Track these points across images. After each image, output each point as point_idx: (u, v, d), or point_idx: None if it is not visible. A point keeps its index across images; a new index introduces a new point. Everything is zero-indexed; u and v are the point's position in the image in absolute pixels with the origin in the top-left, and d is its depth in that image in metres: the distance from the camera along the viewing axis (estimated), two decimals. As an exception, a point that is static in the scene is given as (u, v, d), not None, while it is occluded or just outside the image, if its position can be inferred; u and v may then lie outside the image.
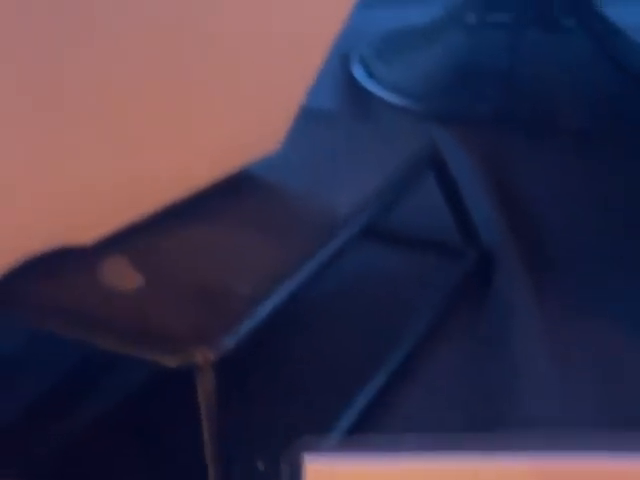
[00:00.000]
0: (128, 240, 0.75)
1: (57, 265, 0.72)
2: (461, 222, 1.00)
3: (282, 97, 0.81)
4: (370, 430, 0.82)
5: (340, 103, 1.35)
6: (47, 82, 0.64)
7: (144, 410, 0.80)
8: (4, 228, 0.68)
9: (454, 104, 1.38)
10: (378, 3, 1.54)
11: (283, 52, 0.77)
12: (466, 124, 1.34)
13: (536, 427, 0.84)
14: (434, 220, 1.05)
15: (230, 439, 0.68)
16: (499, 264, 1.04)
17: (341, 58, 1.44)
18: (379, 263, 1.02)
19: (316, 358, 0.87)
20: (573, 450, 0.45)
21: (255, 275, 0.73)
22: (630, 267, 1.03)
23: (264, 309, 0.71)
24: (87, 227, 0.73)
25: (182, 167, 0.77)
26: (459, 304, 0.99)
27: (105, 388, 0.81)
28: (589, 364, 0.90)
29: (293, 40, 0.78)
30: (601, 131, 1.33)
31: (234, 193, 0.81)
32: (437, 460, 0.44)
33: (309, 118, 0.85)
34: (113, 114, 0.70)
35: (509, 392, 0.89)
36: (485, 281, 1.02)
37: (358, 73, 1.41)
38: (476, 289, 1.02)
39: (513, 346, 0.94)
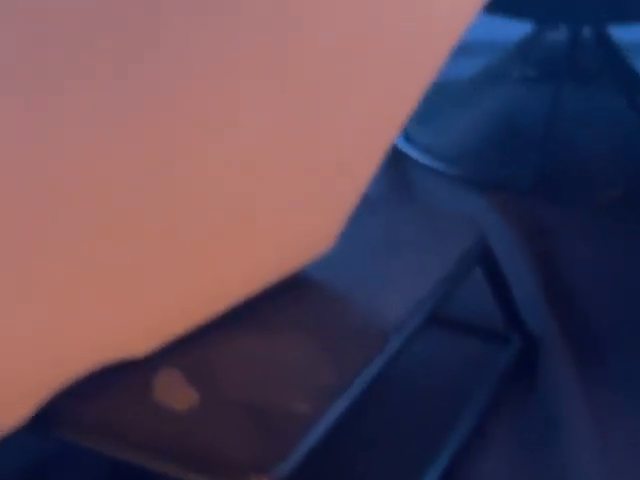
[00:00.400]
0: (182, 351, 0.73)
1: (109, 381, 0.70)
2: (507, 311, 0.99)
3: (338, 201, 0.79)
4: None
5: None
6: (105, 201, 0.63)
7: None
8: (57, 349, 0.66)
9: (492, 169, 1.37)
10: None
11: (339, 159, 0.76)
12: (504, 190, 1.33)
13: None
14: (478, 302, 1.03)
15: None
16: (545, 351, 1.02)
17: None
18: (424, 350, 1.00)
19: (368, 461, 0.86)
20: None
21: (311, 392, 0.71)
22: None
23: (321, 428, 0.70)
24: (141, 340, 0.71)
25: (236, 275, 0.75)
26: (506, 394, 0.97)
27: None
28: (638, 464, 0.88)
29: (351, 147, 0.76)
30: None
31: (287, 297, 0.79)
32: None
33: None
34: (169, 229, 0.68)
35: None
36: (531, 369, 1.01)
37: (394, 134, 1.40)
38: (523, 377, 1.00)
39: (561, 441, 0.92)
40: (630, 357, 1.02)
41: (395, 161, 1.37)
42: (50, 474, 0.81)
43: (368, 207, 0.91)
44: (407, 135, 1.41)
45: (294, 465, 0.67)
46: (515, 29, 1.51)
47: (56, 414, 0.68)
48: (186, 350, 0.73)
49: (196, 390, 0.71)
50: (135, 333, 0.71)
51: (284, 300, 0.79)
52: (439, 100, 1.50)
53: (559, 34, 1.49)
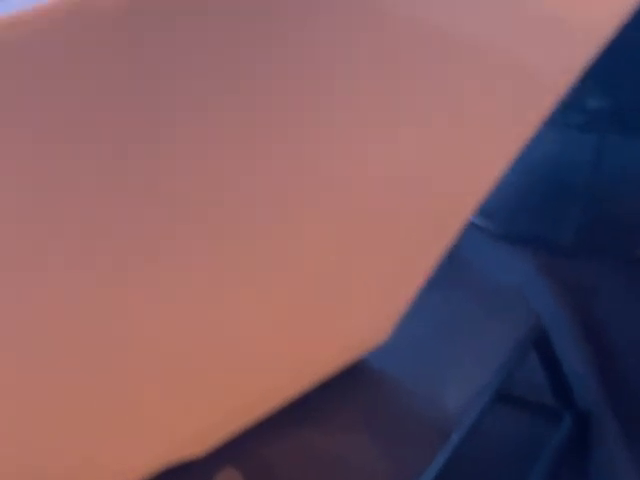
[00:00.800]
0: (240, 450, 0.71)
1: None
2: (558, 390, 0.97)
3: (398, 292, 0.77)
4: None
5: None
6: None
7: None
8: (119, 455, 0.65)
9: (533, 224, 1.35)
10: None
11: (409, 245, 0.74)
12: (545, 247, 1.30)
13: None
14: (526, 374, 1.01)
15: None
16: (596, 425, 1.00)
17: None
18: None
19: None
20: None
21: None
22: None
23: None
24: (201, 439, 0.70)
25: (295, 369, 0.73)
26: (559, 471, 0.95)
27: None
28: None
29: (410, 241, 0.74)
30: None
31: (343, 389, 0.77)
32: None
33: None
34: (229, 327, 0.66)
35: None
36: (584, 445, 0.99)
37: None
38: (575, 453, 0.98)
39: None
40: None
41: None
42: None
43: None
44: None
45: None
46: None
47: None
48: (244, 448, 0.72)
49: (257, 493, 0.69)
50: (196, 433, 0.69)
51: (341, 392, 0.77)
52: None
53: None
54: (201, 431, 0.70)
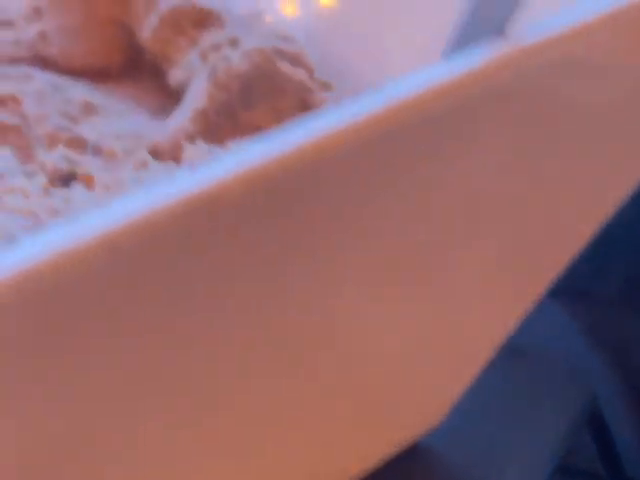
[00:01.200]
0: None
1: None
2: (608, 461, 0.95)
3: (460, 376, 0.74)
4: None
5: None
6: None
7: None
8: None
9: (573, 274, 1.31)
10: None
11: (467, 338, 0.70)
12: (588, 300, 1.27)
13: None
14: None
15: None
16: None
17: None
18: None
19: None
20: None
21: None
22: None
23: None
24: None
25: (350, 454, 0.71)
26: None
27: None
28: None
29: (482, 324, 0.71)
30: None
31: (393, 471, 0.75)
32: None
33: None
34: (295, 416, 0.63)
35: None
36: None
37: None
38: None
39: None
40: None
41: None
42: None
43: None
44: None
45: None
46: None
47: None
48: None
49: None
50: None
51: (391, 475, 0.74)
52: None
53: None
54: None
